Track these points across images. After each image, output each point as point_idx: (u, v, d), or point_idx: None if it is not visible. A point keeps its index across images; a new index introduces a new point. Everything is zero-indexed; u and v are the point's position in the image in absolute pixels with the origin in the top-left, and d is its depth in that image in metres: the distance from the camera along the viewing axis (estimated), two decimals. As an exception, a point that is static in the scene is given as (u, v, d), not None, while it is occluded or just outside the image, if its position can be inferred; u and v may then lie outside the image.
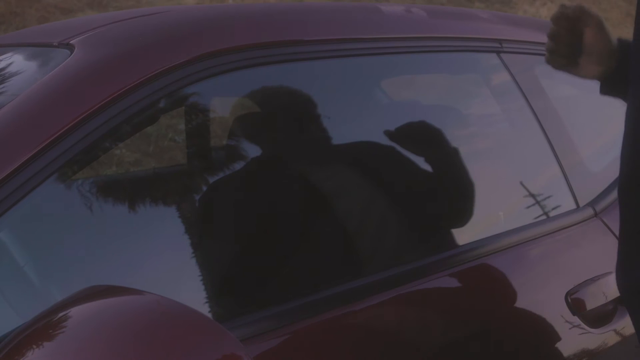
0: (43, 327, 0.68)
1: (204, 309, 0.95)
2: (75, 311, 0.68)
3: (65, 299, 0.71)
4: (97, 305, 0.68)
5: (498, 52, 1.37)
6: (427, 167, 1.26)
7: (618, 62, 1.06)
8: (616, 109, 1.54)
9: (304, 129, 1.22)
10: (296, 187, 1.15)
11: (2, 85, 1.02)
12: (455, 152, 1.26)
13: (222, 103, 1.37)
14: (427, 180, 1.25)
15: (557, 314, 1.19)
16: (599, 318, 1.21)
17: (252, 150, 1.24)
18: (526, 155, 1.39)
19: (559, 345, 1.17)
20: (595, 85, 1.56)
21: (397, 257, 1.14)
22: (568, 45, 1.08)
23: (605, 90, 1.11)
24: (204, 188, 1.15)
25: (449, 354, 1.05)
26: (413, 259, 1.11)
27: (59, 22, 1.40)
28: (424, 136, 1.26)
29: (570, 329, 1.18)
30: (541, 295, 1.20)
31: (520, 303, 1.16)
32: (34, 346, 0.65)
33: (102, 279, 0.89)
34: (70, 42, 1.00)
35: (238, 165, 1.18)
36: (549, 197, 1.38)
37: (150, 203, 1.08)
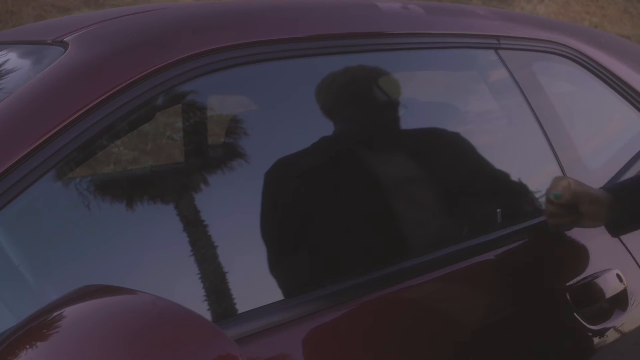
0: (37, 327, 0.67)
1: (203, 306, 0.95)
2: (69, 311, 0.68)
3: (59, 299, 0.70)
4: (92, 305, 0.68)
5: (496, 49, 1.37)
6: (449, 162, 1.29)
7: (619, 204, 1.14)
8: (614, 106, 1.54)
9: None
10: (350, 171, 1.19)
11: (-5, 83, 1.01)
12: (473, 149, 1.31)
13: (220, 101, 1.36)
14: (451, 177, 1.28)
15: (556, 311, 1.18)
16: (597, 315, 1.21)
17: (248, 148, 1.23)
18: (524, 152, 1.39)
19: (558, 342, 1.17)
20: (592, 82, 1.56)
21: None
22: (568, 208, 1.17)
23: (617, 230, 1.20)
24: (202, 185, 1.14)
25: (449, 350, 1.05)
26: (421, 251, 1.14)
27: (53, 19, 1.40)
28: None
29: (569, 326, 1.18)
30: (540, 292, 1.20)
31: (520, 299, 1.16)
32: (28, 346, 0.65)
33: (99, 277, 0.89)
34: (64, 39, 1.00)
35: (236, 163, 1.17)
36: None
37: (148, 201, 1.07)
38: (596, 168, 1.43)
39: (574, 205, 1.15)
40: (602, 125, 1.58)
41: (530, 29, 1.47)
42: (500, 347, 1.11)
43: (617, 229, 1.20)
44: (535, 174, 1.39)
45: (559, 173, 1.34)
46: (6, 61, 1.11)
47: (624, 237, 1.30)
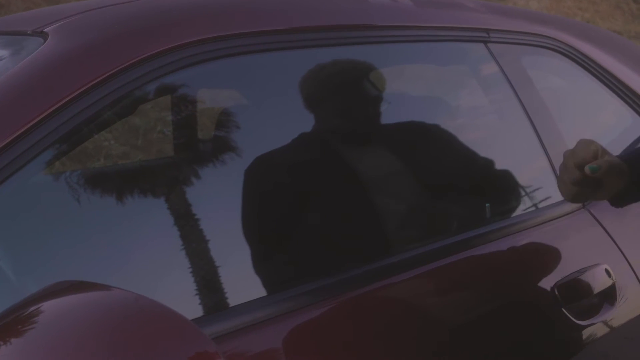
0: (12, 322, 0.66)
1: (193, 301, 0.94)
2: (46, 306, 0.66)
3: (34, 294, 0.69)
4: (67, 300, 0.66)
5: (485, 42, 1.35)
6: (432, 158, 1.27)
7: (632, 174, 1.04)
8: (604, 101, 1.53)
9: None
10: (332, 165, 1.18)
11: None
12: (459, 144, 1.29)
13: (209, 94, 1.35)
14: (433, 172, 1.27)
15: (544, 306, 1.18)
16: (586, 310, 1.20)
17: (240, 142, 1.22)
18: (514, 147, 1.38)
19: (546, 338, 1.16)
20: (582, 76, 1.55)
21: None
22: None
23: (623, 201, 1.09)
24: (193, 179, 1.13)
25: (434, 347, 1.04)
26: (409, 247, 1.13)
27: (33, 10, 1.38)
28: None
29: (557, 321, 1.17)
30: (528, 287, 1.19)
31: (507, 295, 1.15)
32: (2, 342, 0.63)
33: (87, 272, 0.88)
34: (44, 30, 0.98)
35: (226, 157, 1.16)
36: (536, 188, 1.37)
37: (138, 195, 1.06)
38: (586, 162, 1.42)
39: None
40: (592, 120, 1.57)
41: (520, 23, 1.46)
42: (487, 343, 1.10)
43: (623, 199, 1.11)
44: (524, 168, 1.38)
45: (547, 167, 1.33)
46: (-15, 52, 1.09)
47: (611, 232, 1.30)
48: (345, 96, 1.27)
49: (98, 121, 0.91)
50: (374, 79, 1.28)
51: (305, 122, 1.19)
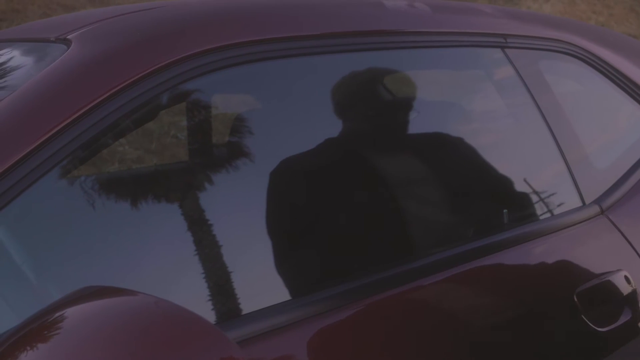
0: (38, 328, 0.66)
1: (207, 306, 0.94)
2: (70, 312, 0.67)
3: (60, 300, 0.69)
4: (93, 306, 0.67)
5: (502, 47, 1.35)
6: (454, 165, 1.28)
7: None
8: (621, 105, 1.52)
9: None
10: (358, 170, 1.19)
11: (-2, 81, 1.01)
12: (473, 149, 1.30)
13: (224, 99, 1.36)
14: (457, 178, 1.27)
15: (563, 314, 1.17)
16: (606, 317, 1.19)
17: (252, 147, 1.23)
18: (531, 152, 1.37)
19: (565, 345, 1.15)
20: (600, 81, 1.54)
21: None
22: None
23: None
24: (206, 184, 1.14)
25: (454, 353, 1.04)
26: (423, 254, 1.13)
27: (57, 17, 1.39)
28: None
29: (577, 328, 1.16)
30: (547, 294, 1.19)
31: (526, 302, 1.15)
32: (28, 347, 0.64)
33: (103, 277, 0.88)
34: (67, 37, 0.99)
35: (241, 162, 1.17)
36: (553, 194, 1.36)
37: (153, 200, 1.06)
38: (604, 168, 1.41)
39: None
40: (609, 125, 1.56)
41: (537, 28, 1.46)
42: (507, 350, 1.09)
43: None
44: (542, 174, 1.37)
45: (565, 173, 1.32)
46: (10, 59, 1.11)
47: (630, 237, 1.29)
48: (373, 103, 1.27)
49: (119, 128, 0.92)
50: (403, 85, 1.30)
51: (326, 127, 1.19)
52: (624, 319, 1.21)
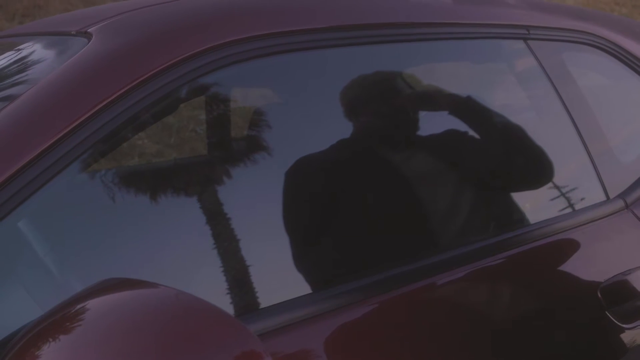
0: (60, 320, 0.67)
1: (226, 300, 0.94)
2: (93, 304, 0.67)
3: (81, 291, 0.70)
4: (115, 297, 0.67)
5: (525, 39, 1.33)
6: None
7: None
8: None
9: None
10: (374, 167, 1.18)
11: (20, 74, 1.02)
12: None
13: (243, 93, 1.35)
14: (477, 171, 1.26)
15: (587, 309, 1.15)
16: (630, 313, 1.18)
17: (271, 141, 1.22)
18: (554, 145, 1.35)
19: (589, 341, 1.14)
20: (625, 73, 1.51)
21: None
22: None
23: None
24: (225, 178, 1.14)
25: (475, 348, 1.03)
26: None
27: (77, 10, 1.40)
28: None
29: (600, 324, 1.15)
30: (571, 289, 1.17)
31: (549, 297, 1.13)
32: (51, 339, 0.65)
33: (123, 269, 0.89)
34: (88, 30, 0.99)
35: (260, 156, 1.17)
36: (577, 188, 1.34)
37: (172, 194, 1.07)
38: (629, 161, 1.39)
39: None
40: (634, 118, 1.54)
41: (560, 19, 1.44)
42: (530, 344, 1.08)
43: None
44: (566, 167, 1.35)
45: (589, 167, 1.30)
46: (31, 52, 1.12)
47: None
48: (387, 99, 1.26)
49: (139, 121, 0.92)
50: (417, 80, 1.28)
51: (344, 122, 1.18)
52: (648, 315, 1.19)
